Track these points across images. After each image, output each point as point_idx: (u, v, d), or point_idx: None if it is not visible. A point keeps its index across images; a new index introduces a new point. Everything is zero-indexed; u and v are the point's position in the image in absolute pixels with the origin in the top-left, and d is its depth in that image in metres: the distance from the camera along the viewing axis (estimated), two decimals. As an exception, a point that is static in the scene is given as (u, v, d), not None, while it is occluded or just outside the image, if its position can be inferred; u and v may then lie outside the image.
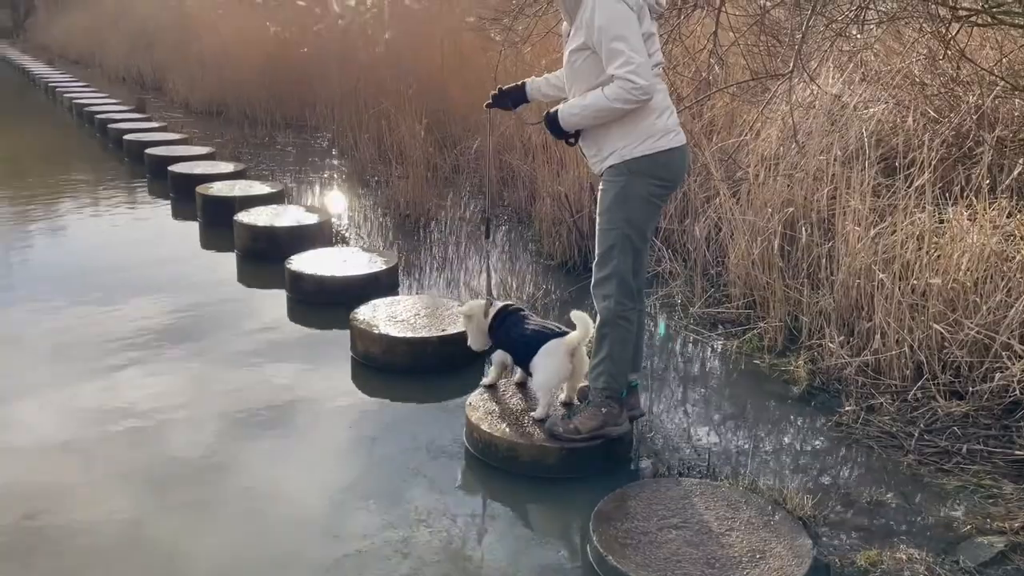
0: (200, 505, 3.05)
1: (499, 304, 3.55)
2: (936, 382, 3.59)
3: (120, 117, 11.31)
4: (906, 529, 2.88)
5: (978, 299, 3.64)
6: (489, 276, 3.84)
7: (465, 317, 3.61)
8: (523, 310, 3.56)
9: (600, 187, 3.11)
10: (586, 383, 3.26)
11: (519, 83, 3.46)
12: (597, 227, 3.11)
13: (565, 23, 3.11)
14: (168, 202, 7.57)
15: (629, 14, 2.86)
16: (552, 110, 3.09)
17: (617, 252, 3.04)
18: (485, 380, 3.59)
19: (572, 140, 3.12)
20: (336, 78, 10.17)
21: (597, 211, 3.12)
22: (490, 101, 3.51)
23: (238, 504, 3.06)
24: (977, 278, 3.70)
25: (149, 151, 8.71)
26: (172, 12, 15.48)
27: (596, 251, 3.12)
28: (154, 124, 10.86)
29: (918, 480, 3.16)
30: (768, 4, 5.84)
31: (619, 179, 3.00)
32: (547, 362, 3.26)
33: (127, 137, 9.64)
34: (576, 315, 3.23)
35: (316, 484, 3.18)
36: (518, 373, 3.57)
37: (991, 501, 3.00)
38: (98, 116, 11.41)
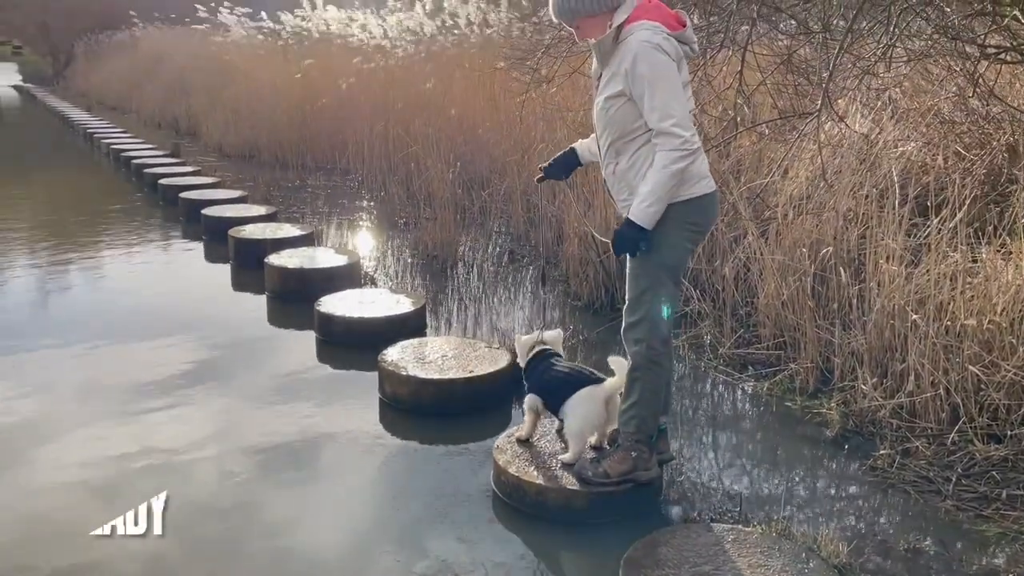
0: (223, 546, 3.05)
1: (540, 337, 3.51)
2: (973, 425, 3.51)
3: (155, 162, 11.52)
4: (946, 578, 2.80)
5: (1014, 340, 3.57)
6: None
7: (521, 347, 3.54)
8: (559, 355, 3.50)
9: None
10: (616, 427, 3.22)
11: (568, 149, 3.41)
12: (628, 272, 3.08)
13: (595, 65, 3.07)
14: (201, 244, 7.68)
15: (671, 64, 2.85)
16: (621, 227, 2.95)
17: (650, 296, 3.01)
18: (519, 434, 3.45)
19: (645, 247, 2.96)
20: (367, 122, 10.32)
21: (628, 255, 3.08)
22: (541, 175, 3.47)
23: (261, 546, 3.05)
24: (1013, 319, 3.63)
25: (183, 195, 8.86)
26: (207, 59, 15.84)
27: (627, 295, 3.09)
28: (188, 168, 11.05)
29: (957, 527, 3.08)
30: (794, 43, 5.85)
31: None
32: (581, 408, 3.21)
33: (162, 181, 9.81)
34: (614, 361, 3.20)
35: (341, 526, 3.17)
36: (558, 421, 3.43)
37: (1034, 549, 2.92)
38: (134, 161, 11.63)
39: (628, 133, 2.95)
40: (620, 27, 2.90)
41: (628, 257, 3.05)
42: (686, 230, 2.98)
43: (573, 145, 3.42)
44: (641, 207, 2.88)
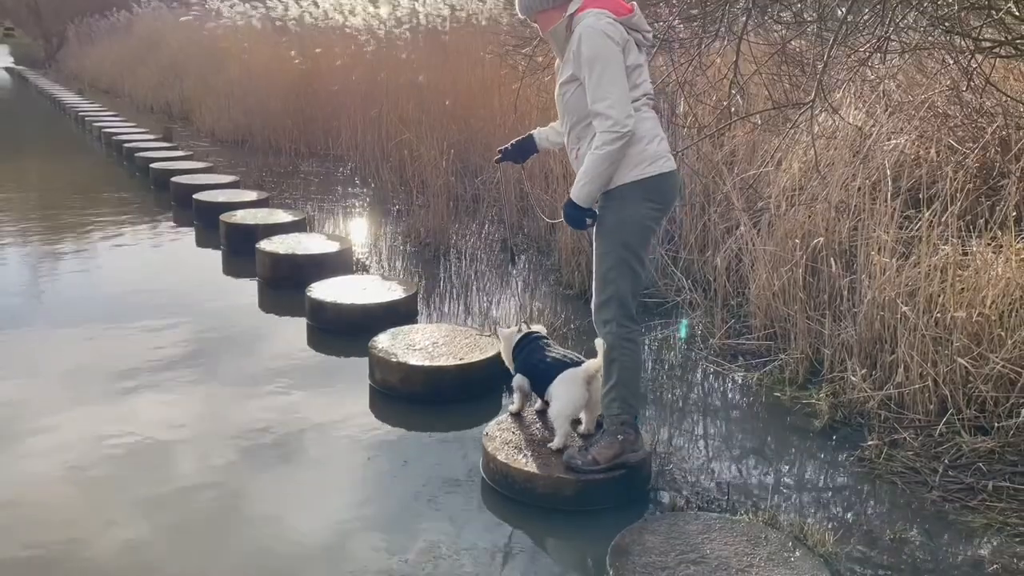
0: (208, 533, 3.04)
1: (525, 329, 3.63)
2: (961, 417, 3.53)
3: (147, 146, 11.45)
4: (931, 568, 2.82)
5: (1003, 333, 3.58)
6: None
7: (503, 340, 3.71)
8: (545, 337, 3.60)
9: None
10: (602, 412, 3.24)
11: (526, 135, 3.54)
12: (594, 252, 3.17)
13: (558, 60, 3.19)
14: (192, 230, 7.64)
15: (613, 48, 2.95)
16: (564, 206, 3.14)
17: (616, 275, 3.09)
18: (512, 408, 3.60)
19: (591, 221, 3.13)
20: (360, 108, 10.27)
21: (594, 236, 3.18)
22: (499, 156, 3.59)
23: (249, 532, 3.05)
24: (1002, 311, 3.64)
25: (174, 179, 8.81)
26: (201, 44, 15.73)
27: (594, 276, 3.17)
28: (180, 153, 10.99)
29: (943, 517, 3.10)
30: (789, 34, 5.84)
31: (613, 204, 3.07)
32: (564, 390, 3.27)
33: (153, 166, 9.75)
34: (599, 343, 3.23)
35: (328, 513, 3.16)
36: (539, 401, 3.57)
37: (1018, 540, 2.93)
38: (126, 145, 11.56)
39: (585, 118, 3.05)
40: (572, 17, 3.04)
41: (595, 241, 3.17)
42: (645, 208, 3.07)
43: (532, 132, 3.55)
44: (577, 186, 3.06)
